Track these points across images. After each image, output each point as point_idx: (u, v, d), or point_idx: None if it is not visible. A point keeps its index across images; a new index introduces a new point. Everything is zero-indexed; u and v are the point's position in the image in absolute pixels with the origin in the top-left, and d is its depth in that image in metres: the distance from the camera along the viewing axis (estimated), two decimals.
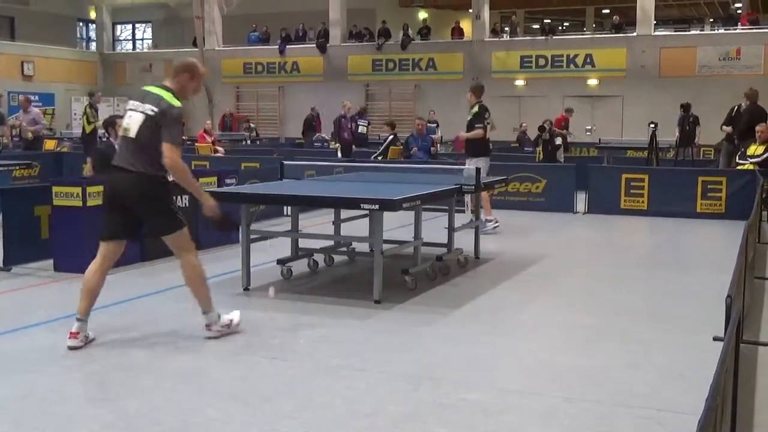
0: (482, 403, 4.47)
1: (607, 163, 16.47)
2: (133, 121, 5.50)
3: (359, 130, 20.04)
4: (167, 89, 5.57)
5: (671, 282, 8.11)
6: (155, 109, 5.44)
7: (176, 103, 5.52)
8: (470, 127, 10.63)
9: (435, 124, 23.86)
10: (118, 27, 39.11)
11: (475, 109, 10.70)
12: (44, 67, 32.55)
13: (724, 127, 14.74)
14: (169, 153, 5.38)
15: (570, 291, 7.77)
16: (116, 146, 8.39)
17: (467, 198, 8.02)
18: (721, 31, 29.39)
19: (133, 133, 5.49)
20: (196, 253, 5.74)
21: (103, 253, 5.60)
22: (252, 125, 28.39)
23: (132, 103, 5.60)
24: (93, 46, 37.78)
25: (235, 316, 5.83)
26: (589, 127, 23.26)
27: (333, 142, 19.61)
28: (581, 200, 13.45)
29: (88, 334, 5.51)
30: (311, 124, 24.32)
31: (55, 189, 8.01)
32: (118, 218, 5.60)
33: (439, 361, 5.25)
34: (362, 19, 31.73)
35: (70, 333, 5.42)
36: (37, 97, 30.57)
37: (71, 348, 5.37)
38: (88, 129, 15.49)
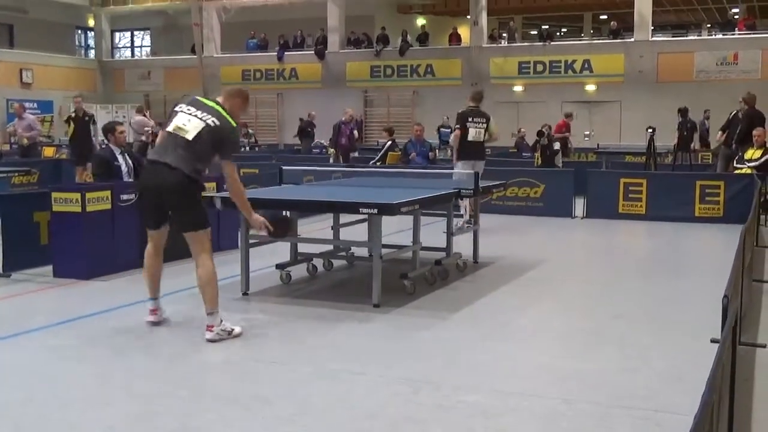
0: (482, 405, 4.48)
1: (605, 168, 16.50)
2: (191, 124, 5.73)
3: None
4: (223, 107, 5.85)
5: (669, 286, 8.14)
6: (217, 123, 5.70)
7: (234, 123, 5.85)
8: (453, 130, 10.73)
9: (449, 129, 23.91)
10: (117, 34, 39.26)
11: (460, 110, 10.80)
12: (43, 75, 32.69)
13: (719, 133, 14.79)
14: (231, 171, 5.81)
15: (568, 295, 7.79)
16: (114, 151, 8.49)
17: (465, 202, 8.04)
18: (719, 36, 29.54)
19: (190, 136, 5.70)
20: (212, 255, 5.92)
21: (154, 240, 6.10)
22: (250, 131, 28.43)
23: (186, 107, 5.85)
24: (92, 53, 37.90)
25: (237, 329, 5.90)
26: (588, 133, 23.31)
27: (330, 149, 19.55)
28: (579, 205, 13.48)
29: (163, 311, 6.16)
30: (306, 131, 24.33)
31: (54, 195, 8.02)
32: (153, 209, 5.96)
33: (439, 365, 5.26)
34: (361, 26, 31.85)
35: (150, 311, 6.10)
36: (35, 105, 30.75)
37: (152, 323, 6.07)
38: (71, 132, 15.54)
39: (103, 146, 9.80)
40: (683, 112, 15.47)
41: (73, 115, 15.42)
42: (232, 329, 5.86)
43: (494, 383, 4.88)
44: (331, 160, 17.93)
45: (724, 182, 12.77)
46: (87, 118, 15.30)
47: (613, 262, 9.74)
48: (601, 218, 12.97)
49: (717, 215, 12.52)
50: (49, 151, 22.85)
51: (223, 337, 5.75)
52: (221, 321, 5.81)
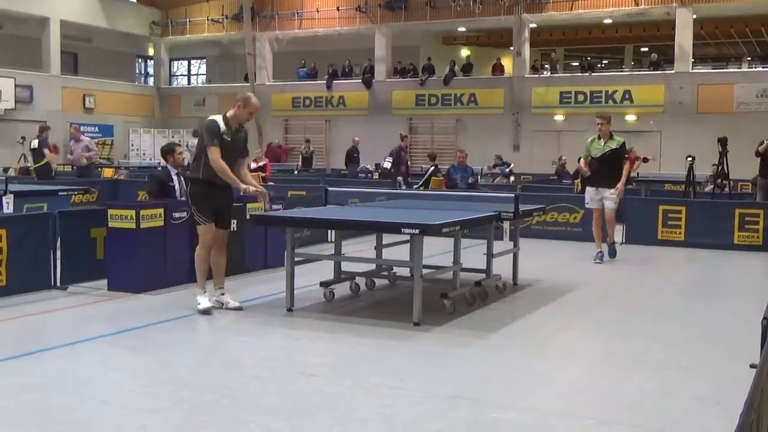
0: (518, 423, 4.51)
1: (644, 196, 16.47)
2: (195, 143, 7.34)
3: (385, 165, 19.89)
4: (225, 113, 7.25)
5: (709, 311, 8.12)
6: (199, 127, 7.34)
7: (212, 116, 7.25)
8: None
9: (506, 166, 24.16)
10: (175, 63, 40.35)
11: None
12: (104, 101, 33.76)
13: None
14: (209, 153, 7.05)
15: (607, 318, 7.80)
16: (171, 172, 8.86)
17: (506, 225, 8.12)
18: (759, 68, 29.30)
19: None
20: (208, 249, 7.26)
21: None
22: (311, 147, 28.81)
23: None
24: (150, 80, 39.00)
25: (202, 306, 7.17)
26: (650, 157, 23.16)
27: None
28: (619, 231, 13.47)
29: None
30: (353, 156, 24.62)
31: (110, 212, 8.26)
32: None
33: (476, 382, 5.31)
34: (407, 56, 32.35)
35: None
36: (96, 129, 31.84)
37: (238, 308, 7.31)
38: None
39: (161, 167, 10.08)
40: (722, 141, 15.40)
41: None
42: (199, 303, 7.18)
43: (531, 402, 4.91)
44: (403, 186, 17.79)
45: (764, 210, 12.71)
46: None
47: (652, 286, 9.70)
48: (640, 244, 12.96)
49: (756, 243, 12.46)
50: (108, 173, 23.61)
51: (198, 309, 7.13)
52: (198, 296, 7.21)
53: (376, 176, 22.59)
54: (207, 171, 7.13)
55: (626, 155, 11.31)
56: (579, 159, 11.01)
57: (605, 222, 10.93)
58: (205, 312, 7.14)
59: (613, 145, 10.67)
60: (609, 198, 10.71)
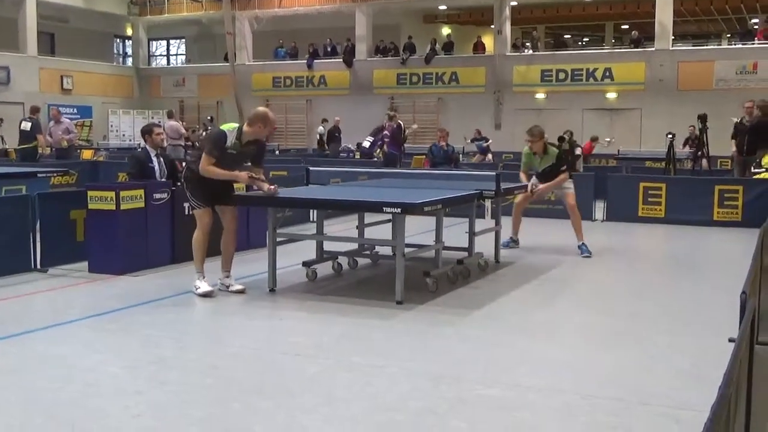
0: (501, 399, 4.54)
1: (625, 173, 16.55)
2: None
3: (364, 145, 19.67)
4: (240, 128, 7.15)
5: (688, 287, 8.20)
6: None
7: (224, 127, 7.20)
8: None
9: (484, 141, 24.25)
10: (154, 43, 40.09)
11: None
12: (82, 81, 33.52)
13: (733, 142, 14.77)
14: (201, 159, 6.99)
15: (588, 294, 7.86)
16: (150, 153, 8.82)
17: (487, 203, 8.12)
18: (738, 45, 29.46)
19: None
20: (206, 233, 7.18)
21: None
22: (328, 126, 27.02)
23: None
24: (129, 61, 38.71)
25: (201, 290, 7.07)
26: (608, 139, 23.33)
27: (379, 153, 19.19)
28: (600, 208, 13.56)
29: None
30: (334, 135, 24.56)
31: (90, 193, 8.21)
32: None
33: (459, 360, 5.34)
34: (387, 35, 32.26)
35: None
36: (75, 110, 31.57)
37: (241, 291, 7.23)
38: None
39: (141, 148, 10.02)
40: (702, 118, 15.47)
41: None
42: (198, 287, 7.08)
43: (514, 378, 4.93)
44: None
45: (742, 187, 12.81)
46: None
47: (633, 263, 9.77)
48: (621, 221, 13.06)
49: (735, 219, 12.57)
50: (87, 154, 23.48)
51: (194, 291, 7.08)
52: (196, 280, 7.11)
53: (357, 156, 22.60)
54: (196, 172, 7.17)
55: (571, 156, 10.86)
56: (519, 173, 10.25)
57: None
58: (206, 295, 7.07)
59: (550, 161, 10.03)
60: (565, 188, 10.19)
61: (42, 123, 19.00)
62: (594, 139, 21.21)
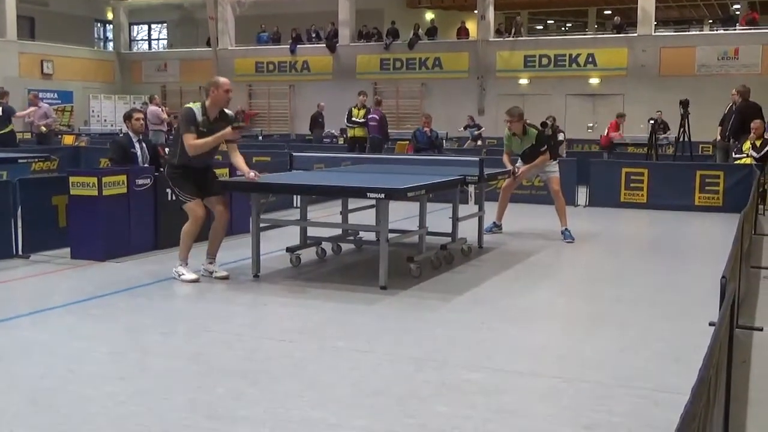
0: (483, 383, 4.56)
1: (607, 158, 16.63)
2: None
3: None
4: (203, 102, 7.16)
5: (669, 272, 8.25)
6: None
7: (190, 105, 7.17)
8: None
9: (476, 128, 24.36)
10: (135, 27, 39.74)
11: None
12: (63, 66, 33.13)
13: (719, 128, 14.84)
14: (184, 141, 7.01)
15: (570, 279, 7.92)
16: (132, 138, 8.76)
17: (471, 189, 8.14)
18: (720, 31, 29.59)
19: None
20: (198, 225, 7.16)
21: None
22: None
23: None
24: (110, 45, 38.35)
25: (186, 277, 7.10)
26: (591, 125, 23.41)
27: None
28: (582, 194, 13.64)
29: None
30: (318, 121, 24.51)
31: (72, 179, 8.16)
32: None
33: (442, 345, 5.37)
34: (371, 20, 32.17)
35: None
36: (56, 95, 31.30)
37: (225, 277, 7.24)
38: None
39: (122, 133, 9.97)
40: (684, 104, 15.52)
41: None
42: (182, 274, 7.12)
43: (496, 362, 4.97)
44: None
45: (723, 172, 12.93)
46: None
47: (615, 249, 9.84)
48: (603, 207, 13.16)
49: (716, 204, 12.69)
50: (68, 139, 23.28)
51: (175, 277, 7.14)
52: (180, 266, 7.16)
53: (341, 141, 22.58)
54: (183, 158, 7.09)
55: (554, 141, 10.83)
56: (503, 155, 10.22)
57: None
58: (192, 282, 7.10)
59: (530, 141, 9.87)
60: (550, 172, 10.16)
61: (20, 108, 18.82)
62: (620, 116, 20.58)
